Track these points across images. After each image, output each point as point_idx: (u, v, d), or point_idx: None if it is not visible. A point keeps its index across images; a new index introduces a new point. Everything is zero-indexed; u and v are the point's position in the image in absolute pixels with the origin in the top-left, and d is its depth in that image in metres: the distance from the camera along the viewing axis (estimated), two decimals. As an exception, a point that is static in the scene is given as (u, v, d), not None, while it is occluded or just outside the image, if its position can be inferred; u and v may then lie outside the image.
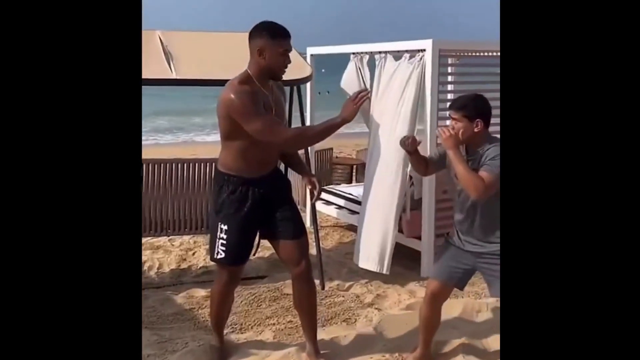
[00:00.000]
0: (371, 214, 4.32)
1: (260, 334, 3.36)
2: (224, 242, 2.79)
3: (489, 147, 2.62)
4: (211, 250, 2.88)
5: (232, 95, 2.60)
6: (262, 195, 2.79)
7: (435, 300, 2.83)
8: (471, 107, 2.66)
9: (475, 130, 2.62)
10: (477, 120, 2.62)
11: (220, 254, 2.82)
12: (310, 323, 2.99)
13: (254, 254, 4.80)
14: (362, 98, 2.63)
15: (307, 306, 2.95)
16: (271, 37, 2.63)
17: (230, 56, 4.31)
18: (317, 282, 4.13)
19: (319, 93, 6.54)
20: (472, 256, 2.74)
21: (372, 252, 4.23)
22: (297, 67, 4.20)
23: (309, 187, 2.94)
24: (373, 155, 4.32)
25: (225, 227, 2.78)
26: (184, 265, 4.68)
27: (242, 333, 3.38)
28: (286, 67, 2.69)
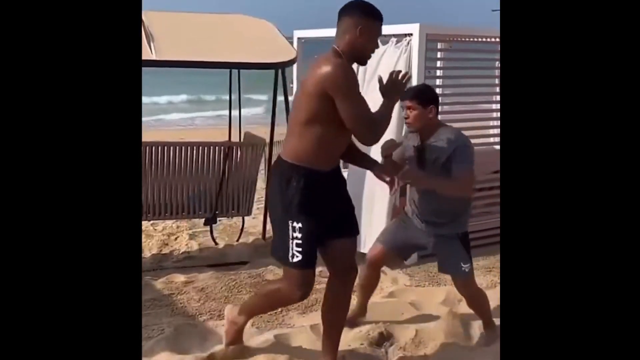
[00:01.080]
0: (362, 200, 4.31)
1: (239, 320, 3.31)
2: (300, 242, 2.46)
3: (444, 131, 2.82)
4: (284, 254, 2.51)
5: (335, 70, 2.32)
6: (331, 190, 2.58)
7: (376, 264, 3.10)
8: (424, 94, 2.83)
9: (430, 116, 2.81)
10: (431, 106, 2.80)
11: (297, 257, 2.48)
12: (338, 334, 2.73)
13: (237, 240, 4.81)
14: (405, 77, 2.54)
15: (343, 316, 2.73)
16: (374, 19, 2.44)
17: (211, 38, 4.25)
18: (299, 268, 4.11)
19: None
20: (427, 236, 2.97)
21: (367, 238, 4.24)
22: (281, 50, 4.14)
23: (387, 178, 2.74)
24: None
25: (299, 226, 2.45)
26: (165, 250, 4.63)
27: (220, 319, 3.32)
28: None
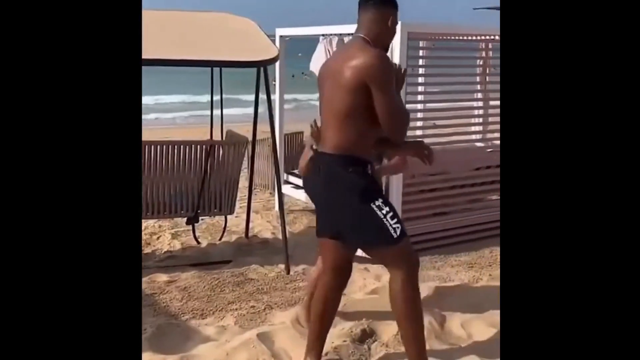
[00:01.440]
0: None
1: (221, 319, 3.30)
2: (391, 213, 2.40)
3: None
4: (384, 237, 2.42)
5: (377, 61, 2.29)
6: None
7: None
8: None
9: None
10: None
11: (398, 228, 2.40)
12: (327, 331, 2.70)
13: (220, 239, 4.79)
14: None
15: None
16: (396, 10, 2.48)
17: (194, 36, 4.22)
18: (282, 266, 4.11)
19: (293, 76, 6.47)
20: None
21: None
22: (263, 49, 4.13)
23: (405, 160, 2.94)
24: None
25: (381, 202, 2.40)
26: (147, 250, 4.59)
27: (203, 318, 3.31)
28: None
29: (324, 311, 2.68)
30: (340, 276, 2.65)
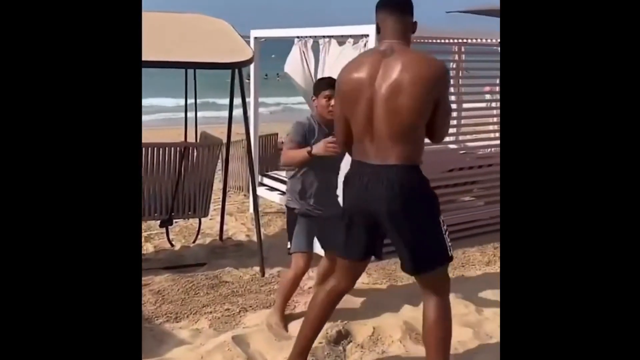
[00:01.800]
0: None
1: (196, 322, 3.28)
2: (447, 231, 2.41)
3: None
4: (441, 255, 2.39)
5: (445, 72, 2.29)
6: None
7: (303, 272, 3.26)
8: None
9: None
10: None
11: (451, 248, 2.41)
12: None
13: (194, 242, 4.75)
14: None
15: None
16: None
17: (168, 37, 4.18)
18: (257, 268, 4.09)
19: (266, 76, 6.45)
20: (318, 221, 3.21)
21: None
22: (238, 50, 4.11)
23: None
24: None
25: (442, 218, 2.40)
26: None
27: (177, 322, 3.28)
28: None
29: (326, 315, 2.68)
30: (352, 286, 2.70)
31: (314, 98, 3.17)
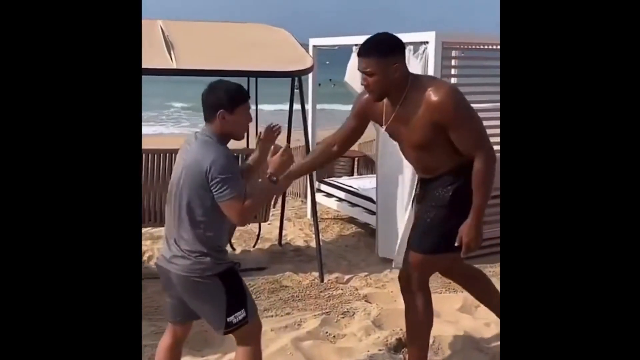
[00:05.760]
0: (387, 207, 4.41)
1: (258, 325, 3.35)
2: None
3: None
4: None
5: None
6: None
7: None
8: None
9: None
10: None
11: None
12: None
13: (254, 246, 4.85)
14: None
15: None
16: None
17: (229, 46, 4.31)
18: (315, 274, 4.14)
19: (319, 85, 6.52)
20: None
21: (393, 241, 4.33)
22: (298, 59, 4.19)
23: None
24: (387, 148, 4.31)
25: None
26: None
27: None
28: None
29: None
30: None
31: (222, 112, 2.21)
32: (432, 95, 2.33)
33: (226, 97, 2.19)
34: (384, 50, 2.36)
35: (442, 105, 2.32)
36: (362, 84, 2.44)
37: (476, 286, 2.91)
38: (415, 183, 2.98)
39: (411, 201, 4.17)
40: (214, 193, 2.10)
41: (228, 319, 2.19)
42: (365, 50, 2.38)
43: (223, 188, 2.09)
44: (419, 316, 2.64)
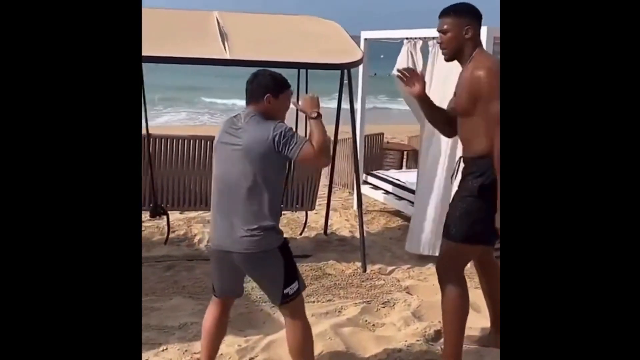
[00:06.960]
0: (425, 200, 4.40)
1: (299, 310, 3.45)
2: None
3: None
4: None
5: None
6: None
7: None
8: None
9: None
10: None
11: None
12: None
13: (300, 234, 4.95)
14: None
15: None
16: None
17: (281, 38, 4.40)
18: (358, 264, 4.21)
19: (374, 74, 6.50)
20: None
21: (425, 238, 4.34)
22: (348, 51, 4.24)
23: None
24: (432, 142, 4.32)
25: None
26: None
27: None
28: None
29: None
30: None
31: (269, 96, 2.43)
32: (477, 66, 2.55)
33: (273, 83, 2.41)
34: (460, 11, 2.64)
35: (479, 77, 2.51)
36: (437, 42, 2.82)
37: (491, 284, 2.95)
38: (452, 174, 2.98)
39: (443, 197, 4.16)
40: (286, 151, 2.30)
41: (284, 291, 2.41)
42: (444, 11, 2.66)
43: (292, 142, 2.31)
44: (454, 305, 2.70)
